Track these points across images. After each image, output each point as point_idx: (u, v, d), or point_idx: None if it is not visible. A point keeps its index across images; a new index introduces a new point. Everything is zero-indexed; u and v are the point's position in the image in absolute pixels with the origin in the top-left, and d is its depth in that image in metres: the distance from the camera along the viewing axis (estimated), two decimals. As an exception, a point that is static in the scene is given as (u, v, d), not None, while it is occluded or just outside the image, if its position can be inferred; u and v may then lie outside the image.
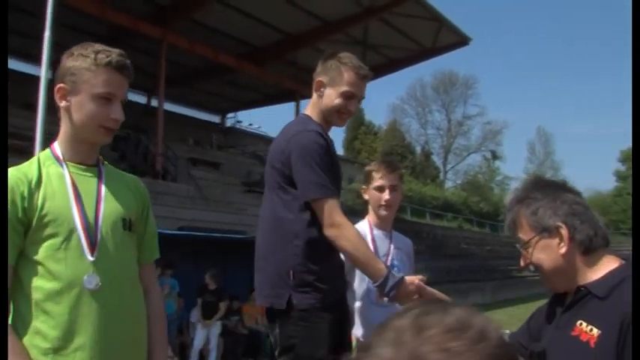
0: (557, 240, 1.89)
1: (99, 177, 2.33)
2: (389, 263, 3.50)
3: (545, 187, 1.97)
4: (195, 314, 11.32)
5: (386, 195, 3.53)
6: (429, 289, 2.80)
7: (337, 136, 61.56)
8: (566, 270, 1.89)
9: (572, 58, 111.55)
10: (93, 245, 2.18)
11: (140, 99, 28.90)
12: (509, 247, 43.85)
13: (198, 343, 11.09)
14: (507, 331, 2.01)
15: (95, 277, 2.15)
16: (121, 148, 20.92)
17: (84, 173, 2.29)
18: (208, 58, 22.88)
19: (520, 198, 1.98)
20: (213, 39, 21.88)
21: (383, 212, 3.58)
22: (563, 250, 1.88)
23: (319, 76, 3.07)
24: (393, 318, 0.84)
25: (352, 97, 3.01)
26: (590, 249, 1.88)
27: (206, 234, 13.48)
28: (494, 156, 71.24)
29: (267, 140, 33.89)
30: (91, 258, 2.16)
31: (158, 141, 20.45)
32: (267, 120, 74.88)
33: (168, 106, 26.67)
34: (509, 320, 18.42)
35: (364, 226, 3.59)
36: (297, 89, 26.90)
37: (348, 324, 3.15)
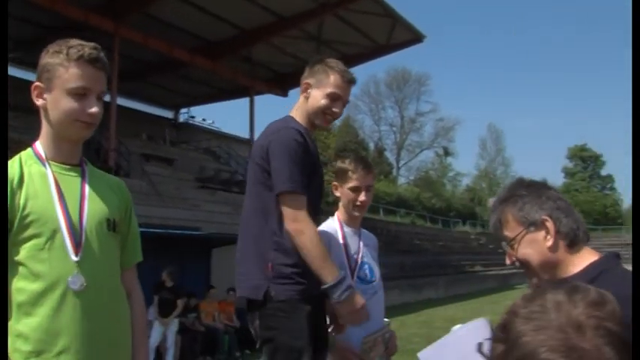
0: (543, 233, 1.94)
1: (82, 177, 2.29)
2: (360, 261, 3.50)
3: (529, 186, 2.03)
4: (152, 312, 11.21)
5: (362, 196, 3.49)
6: None
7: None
8: (552, 263, 1.94)
9: (522, 54, 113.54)
10: (77, 245, 2.14)
11: (92, 93, 28.41)
12: (460, 242, 44.54)
13: (154, 340, 10.97)
14: (459, 325, 2.04)
15: (80, 278, 2.11)
16: (72, 144, 20.58)
17: (67, 173, 2.25)
18: (162, 52, 22.60)
19: (505, 197, 2.04)
20: (167, 33, 21.60)
21: (357, 213, 3.55)
22: (549, 242, 1.93)
23: (306, 79, 3.19)
24: (546, 292, 1.11)
25: (337, 98, 3.14)
26: (574, 242, 1.94)
27: (161, 230, 13.37)
28: (447, 152, 72.26)
29: (220, 136, 33.68)
30: (75, 258, 2.12)
31: (111, 136, 20.12)
32: (221, 115, 74.69)
33: (121, 101, 26.17)
34: (463, 314, 18.74)
35: (334, 223, 3.57)
36: (252, 85, 26.82)
37: (324, 321, 3.17)
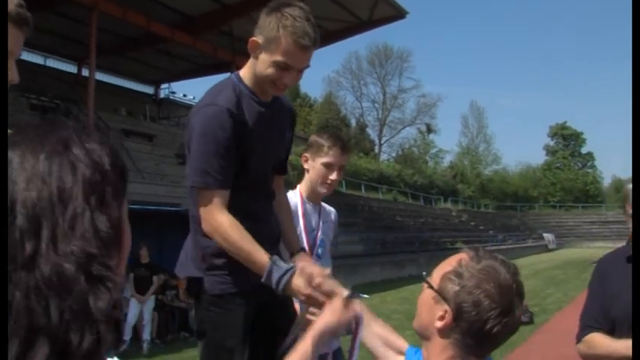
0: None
1: None
2: (318, 239, 3.49)
3: None
4: (128, 289, 11.11)
5: (334, 175, 3.41)
6: (330, 282, 2.29)
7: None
8: None
9: (505, 32, 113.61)
10: None
11: (70, 68, 28.02)
12: (442, 219, 44.73)
13: (131, 318, 10.89)
14: None
15: None
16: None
17: None
18: (141, 26, 22.25)
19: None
20: (146, 7, 21.27)
21: (324, 190, 3.46)
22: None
23: (256, 34, 2.58)
24: (488, 259, 1.71)
25: (287, 68, 2.54)
26: None
27: (140, 207, 13.21)
28: (429, 129, 72.32)
29: (201, 112, 33.40)
30: None
31: (89, 112, 19.83)
32: (202, 91, 72.88)
33: (100, 76, 25.93)
34: (443, 291, 18.75)
35: (295, 196, 3.45)
36: (233, 60, 26.52)
37: (282, 310, 2.76)
